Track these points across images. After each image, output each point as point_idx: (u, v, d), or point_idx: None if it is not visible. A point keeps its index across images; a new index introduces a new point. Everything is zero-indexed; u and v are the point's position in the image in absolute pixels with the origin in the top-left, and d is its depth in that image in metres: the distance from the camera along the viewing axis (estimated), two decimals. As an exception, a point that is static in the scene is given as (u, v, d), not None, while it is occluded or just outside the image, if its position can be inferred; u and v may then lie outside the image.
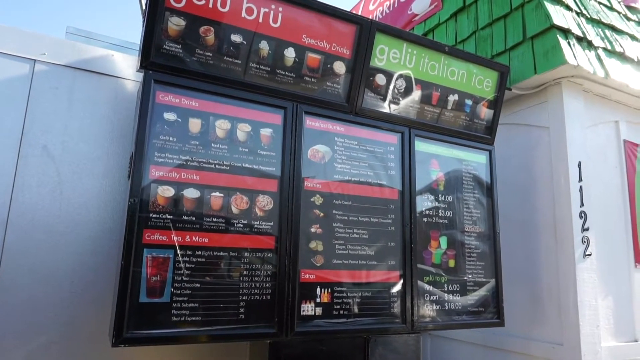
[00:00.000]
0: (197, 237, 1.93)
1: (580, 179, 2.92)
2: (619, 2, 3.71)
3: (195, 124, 2.02)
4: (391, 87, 2.55)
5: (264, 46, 2.19)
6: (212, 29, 2.07)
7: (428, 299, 2.46)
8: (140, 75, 2.05)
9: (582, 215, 2.87)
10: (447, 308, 2.52)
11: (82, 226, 2.35)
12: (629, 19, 3.65)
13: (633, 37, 3.51)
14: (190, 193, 1.95)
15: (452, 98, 2.76)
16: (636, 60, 3.34)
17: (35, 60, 2.35)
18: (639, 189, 3.35)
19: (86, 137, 2.43)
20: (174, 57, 2.01)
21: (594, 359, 2.68)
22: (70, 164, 2.37)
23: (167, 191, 1.91)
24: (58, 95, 2.39)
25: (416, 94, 2.64)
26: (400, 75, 2.58)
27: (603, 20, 3.36)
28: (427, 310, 2.45)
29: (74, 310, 2.27)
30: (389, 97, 2.55)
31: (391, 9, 4.81)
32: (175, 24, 2.00)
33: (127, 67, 2.58)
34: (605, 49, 3.18)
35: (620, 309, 3.01)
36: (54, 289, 2.24)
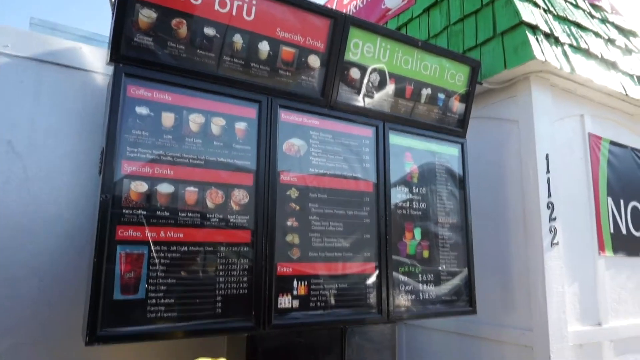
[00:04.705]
0: (171, 233, 1.91)
1: (548, 171, 3.02)
2: (584, 1, 3.83)
3: (168, 118, 1.99)
4: (365, 81, 2.57)
5: (238, 39, 2.17)
6: (184, 21, 2.04)
7: (403, 289, 2.51)
8: (110, 68, 2.00)
9: (550, 205, 2.98)
10: (421, 298, 2.58)
11: (52, 224, 2.29)
12: (593, 17, 3.78)
13: (597, 35, 3.64)
14: (164, 188, 1.93)
15: (425, 92, 2.81)
16: (600, 56, 3.46)
17: (-3, 52, 2.26)
18: (602, 180, 3.49)
19: (54, 132, 2.35)
20: (145, 50, 1.97)
21: (561, 343, 2.79)
22: (38, 160, 2.29)
23: (141, 186, 1.88)
24: (23, 89, 2.30)
25: (390, 87, 2.67)
26: (375, 69, 2.60)
27: (569, 17, 3.46)
28: (403, 300, 2.50)
29: (44, 309, 2.21)
30: (363, 90, 2.57)
31: (364, 3, 4.83)
32: (146, 16, 1.96)
33: (96, 59, 2.51)
34: (571, 45, 3.29)
35: (585, 295, 3.14)
36: (21, 288, 2.18)
